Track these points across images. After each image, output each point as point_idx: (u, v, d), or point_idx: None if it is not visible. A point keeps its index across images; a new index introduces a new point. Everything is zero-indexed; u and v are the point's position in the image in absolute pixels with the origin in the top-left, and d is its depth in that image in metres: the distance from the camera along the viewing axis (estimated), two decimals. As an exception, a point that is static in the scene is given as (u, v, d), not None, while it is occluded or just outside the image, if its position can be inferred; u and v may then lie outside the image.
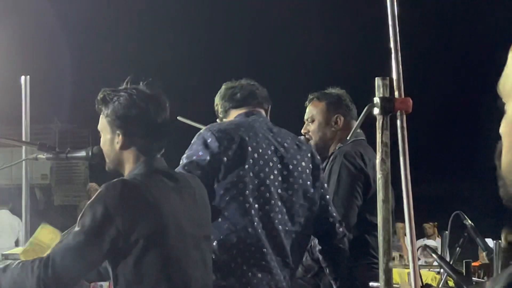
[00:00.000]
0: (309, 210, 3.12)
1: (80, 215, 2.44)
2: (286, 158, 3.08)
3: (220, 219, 2.92)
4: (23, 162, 3.56)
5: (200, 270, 2.57)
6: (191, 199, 2.62)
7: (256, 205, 2.95)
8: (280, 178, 3.04)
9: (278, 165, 3.05)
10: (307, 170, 3.14)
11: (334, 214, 3.23)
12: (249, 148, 2.97)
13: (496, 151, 1.13)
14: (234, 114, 3.18)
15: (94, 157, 2.76)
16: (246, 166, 2.95)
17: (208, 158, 2.91)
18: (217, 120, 3.31)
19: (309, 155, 3.18)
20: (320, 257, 3.29)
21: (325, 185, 3.25)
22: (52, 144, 3.15)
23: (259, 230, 2.94)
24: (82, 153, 2.84)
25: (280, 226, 3.01)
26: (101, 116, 2.63)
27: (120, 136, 2.56)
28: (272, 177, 3.01)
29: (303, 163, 3.13)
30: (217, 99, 3.25)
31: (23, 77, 3.72)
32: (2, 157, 13.21)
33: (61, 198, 18.78)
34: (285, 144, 3.11)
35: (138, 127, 2.55)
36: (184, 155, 2.97)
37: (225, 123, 3.12)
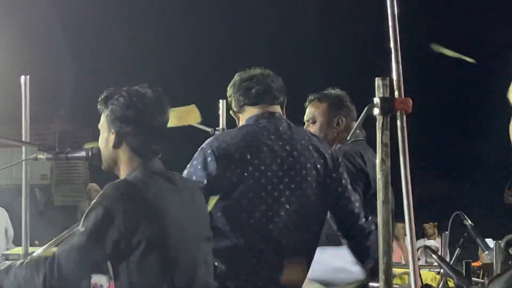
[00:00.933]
0: (318, 223, 3.07)
1: (84, 216, 2.45)
2: (295, 169, 2.97)
3: (219, 233, 2.90)
4: (23, 162, 3.56)
5: (201, 270, 2.57)
6: (190, 201, 2.63)
7: (258, 225, 2.90)
8: (287, 192, 2.95)
9: (285, 179, 2.94)
10: (320, 178, 3.03)
11: (356, 210, 3.12)
12: (250, 168, 2.89)
13: None
14: (249, 112, 3.06)
15: (94, 157, 2.77)
16: (245, 187, 2.88)
17: (205, 181, 2.86)
18: (230, 112, 3.24)
19: (322, 161, 3.05)
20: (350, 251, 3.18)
21: (343, 184, 3.12)
22: (52, 144, 3.14)
23: (262, 246, 2.90)
24: (82, 153, 2.84)
25: (286, 242, 2.94)
26: (102, 115, 2.64)
27: (113, 135, 2.58)
28: (276, 194, 2.93)
29: (314, 172, 3.02)
30: (231, 91, 3.12)
31: (23, 77, 3.72)
32: (2, 157, 13.22)
33: (61, 198, 18.78)
34: (295, 152, 2.99)
35: (132, 127, 2.56)
36: (185, 171, 2.92)
37: (229, 136, 3.01)
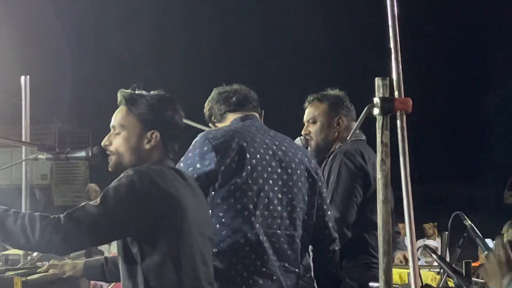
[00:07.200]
0: (308, 214, 3.11)
1: (105, 190, 2.42)
2: (285, 161, 3.05)
3: (218, 226, 2.91)
4: (23, 162, 3.56)
5: (207, 267, 2.58)
6: (197, 199, 2.64)
7: (256, 211, 2.93)
8: (280, 183, 3.01)
9: (278, 169, 3.02)
10: (306, 173, 3.12)
11: (329, 224, 3.21)
12: (247, 155, 2.94)
13: None
14: (230, 118, 3.14)
15: (94, 157, 2.76)
16: (244, 173, 2.91)
17: (205, 169, 2.88)
18: (210, 125, 3.28)
19: (306, 159, 3.16)
20: (312, 264, 3.27)
21: (323, 193, 3.21)
22: (52, 144, 3.14)
23: (260, 237, 2.93)
24: (82, 153, 2.83)
25: (279, 231, 2.99)
26: (126, 113, 2.61)
27: (156, 135, 2.58)
28: (271, 182, 2.98)
29: (302, 166, 3.11)
30: (210, 103, 3.21)
31: (23, 77, 3.72)
32: (2, 157, 13.22)
33: (61, 198, 18.78)
34: (283, 147, 3.08)
35: (174, 129, 2.61)
36: (181, 164, 2.94)
37: (222, 129, 3.07)
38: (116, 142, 2.62)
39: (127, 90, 2.64)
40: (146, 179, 2.43)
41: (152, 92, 2.65)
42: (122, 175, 2.47)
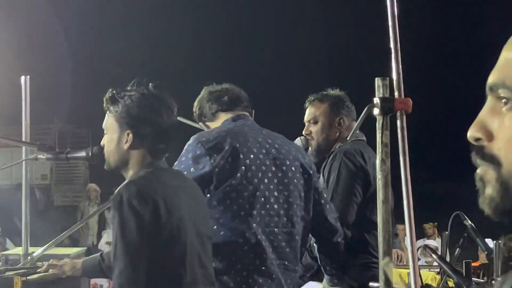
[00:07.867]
0: (305, 210, 3.13)
1: (117, 229, 2.39)
2: (279, 159, 3.06)
3: (215, 227, 2.91)
4: (23, 162, 3.56)
5: (205, 268, 2.58)
6: (195, 198, 2.64)
7: (253, 211, 2.94)
8: (275, 181, 3.02)
9: (272, 168, 3.03)
10: (301, 169, 3.13)
11: (329, 218, 3.23)
12: (241, 155, 2.94)
13: (481, 152, 1.05)
14: (222, 118, 3.14)
15: (94, 157, 2.76)
16: (238, 174, 2.92)
17: (200, 172, 2.89)
18: (200, 124, 3.29)
19: (300, 155, 3.17)
20: (318, 255, 3.31)
21: (319, 188, 3.22)
22: (52, 144, 3.15)
23: (258, 236, 2.93)
24: (82, 153, 2.84)
25: (277, 229, 3.00)
26: (107, 114, 2.61)
27: (130, 135, 2.55)
28: (266, 180, 3.00)
29: (296, 162, 3.12)
30: (201, 103, 3.20)
31: (23, 77, 3.72)
32: (2, 157, 13.21)
33: (61, 198, 18.77)
34: (276, 145, 3.10)
35: (149, 128, 2.54)
36: (175, 168, 2.93)
37: (214, 131, 3.07)
38: (105, 142, 2.64)
39: (114, 89, 2.60)
40: (134, 195, 2.40)
41: (135, 90, 2.58)
42: (112, 199, 2.45)
